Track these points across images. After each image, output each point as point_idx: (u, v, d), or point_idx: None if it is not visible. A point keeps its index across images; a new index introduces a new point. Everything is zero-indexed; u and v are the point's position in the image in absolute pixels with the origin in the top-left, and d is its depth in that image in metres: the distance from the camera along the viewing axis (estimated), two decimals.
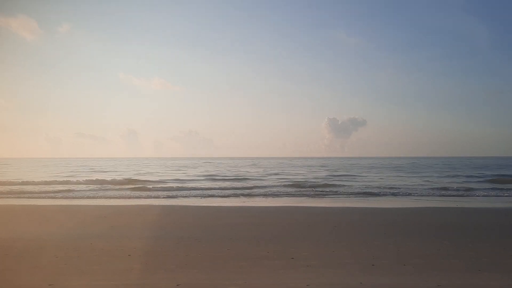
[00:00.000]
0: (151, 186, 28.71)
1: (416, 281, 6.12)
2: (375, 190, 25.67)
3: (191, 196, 23.09)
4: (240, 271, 6.82)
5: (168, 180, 36.26)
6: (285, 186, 29.89)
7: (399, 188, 27.47)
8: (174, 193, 24.78)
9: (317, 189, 26.97)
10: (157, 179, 38.00)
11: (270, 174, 46.23)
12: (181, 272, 6.77)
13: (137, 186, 29.07)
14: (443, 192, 24.98)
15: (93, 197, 22.53)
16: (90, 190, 26.42)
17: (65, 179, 35.21)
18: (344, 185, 29.93)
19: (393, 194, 23.63)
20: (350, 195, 23.47)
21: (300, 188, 28.45)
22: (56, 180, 33.41)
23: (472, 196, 22.85)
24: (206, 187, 29.13)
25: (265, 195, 23.57)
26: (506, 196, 22.68)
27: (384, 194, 23.59)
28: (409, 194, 23.55)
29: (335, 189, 27.04)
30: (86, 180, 33.40)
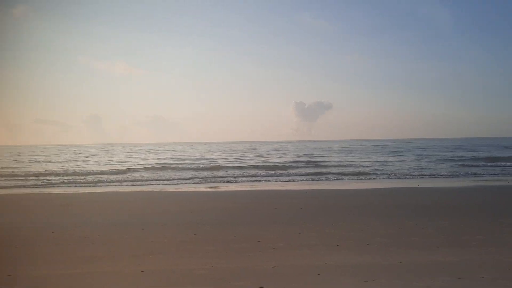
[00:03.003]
0: (114, 173, 28.18)
1: (378, 260, 6.29)
2: (335, 170, 26.21)
3: (152, 182, 22.82)
4: (207, 255, 6.82)
5: (135, 167, 35.68)
6: (253, 169, 29.97)
7: (364, 170, 28.10)
8: (136, 179, 24.42)
9: (284, 172, 27.23)
10: (125, 165, 37.31)
11: (238, 159, 46.26)
12: (146, 258, 6.70)
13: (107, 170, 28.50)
14: (405, 172, 25.75)
15: (52, 185, 21.91)
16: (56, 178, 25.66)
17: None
18: (306, 167, 30.35)
19: (355, 174, 24.17)
20: (313, 177, 23.82)
21: (268, 170, 28.63)
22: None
23: (434, 176, 23.66)
24: (171, 175, 28.85)
25: (233, 180, 23.58)
26: (466, 175, 23.61)
27: (345, 175, 24.08)
28: (372, 175, 24.15)
29: (300, 171, 27.36)
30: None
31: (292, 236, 8.13)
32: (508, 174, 24.53)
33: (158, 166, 34.59)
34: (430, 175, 24.49)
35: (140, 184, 21.92)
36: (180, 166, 33.96)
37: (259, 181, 22.91)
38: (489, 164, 32.04)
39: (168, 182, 22.83)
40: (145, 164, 38.23)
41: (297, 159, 43.09)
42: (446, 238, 7.66)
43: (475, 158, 38.52)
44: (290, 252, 6.94)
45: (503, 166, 30.28)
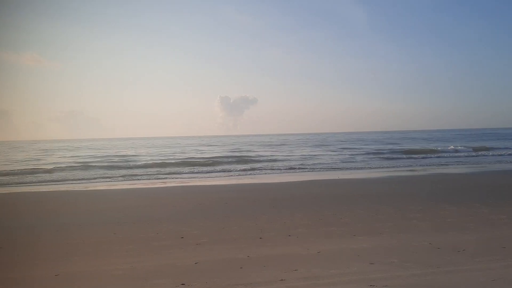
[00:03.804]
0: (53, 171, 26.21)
1: (299, 250, 6.48)
2: (261, 165, 26.65)
3: (66, 182, 21.60)
4: (126, 254, 6.58)
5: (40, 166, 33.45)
6: (178, 165, 29.47)
7: (289, 163, 28.82)
8: (46, 179, 22.94)
9: (208, 168, 27.11)
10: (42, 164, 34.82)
11: (162, 154, 45.23)
12: (60, 261, 6.31)
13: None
14: (331, 165, 26.82)
15: None
16: None
17: None
18: (233, 163, 30.51)
19: (279, 169, 24.72)
20: (241, 172, 24.00)
21: (193, 166, 28.32)
22: None
23: (353, 168, 24.88)
24: (86, 174, 27.47)
25: (156, 176, 22.98)
26: (381, 167, 25.11)
27: (270, 168, 24.56)
28: (297, 169, 24.86)
29: (226, 167, 27.42)
30: None
31: (216, 231, 8.10)
32: (418, 164, 26.44)
33: (73, 164, 32.74)
34: (349, 168, 25.69)
35: (53, 183, 20.60)
36: (96, 164, 32.30)
37: (183, 177, 22.56)
38: (404, 156, 34.33)
39: (85, 181, 21.68)
40: (57, 162, 36.05)
41: (223, 154, 43.13)
42: (362, 226, 8.08)
43: (392, 150, 41.07)
44: (213, 247, 6.91)
45: (415, 158, 32.63)
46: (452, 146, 43.42)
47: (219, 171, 25.01)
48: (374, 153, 37.70)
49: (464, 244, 6.41)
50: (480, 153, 35.46)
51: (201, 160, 33.28)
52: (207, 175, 23.12)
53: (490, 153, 34.58)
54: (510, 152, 35.00)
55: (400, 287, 4.61)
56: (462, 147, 41.98)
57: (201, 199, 12.63)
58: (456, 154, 34.52)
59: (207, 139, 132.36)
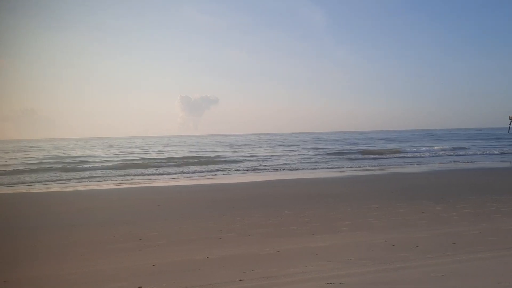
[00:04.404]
0: None
1: (258, 250, 6.49)
2: (222, 166, 26.60)
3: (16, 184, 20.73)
4: (81, 258, 6.37)
5: None
6: (136, 166, 28.83)
7: (249, 164, 28.88)
8: None
9: (168, 169, 26.73)
10: None
11: (120, 155, 44.18)
12: (10, 267, 6.02)
13: None
14: (291, 165, 27.09)
15: None
16: None
17: None
18: (193, 163, 30.26)
19: (240, 169, 24.75)
20: (201, 173, 23.82)
21: (151, 168, 27.81)
22: None
23: (313, 168, 25.24)
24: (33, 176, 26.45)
25: (111, 178, 22.38)
26: (341, 167, 25.63)
27: (230, 170, 24.55)
28: (258, 169, 24.95)
29: (187, 168, 27.14)
30: None
31: (175, 233, 8.00)
32: (376, 164, 27.17)
33: (24, 166, 31.44)
34: (309, 168, 26.06)
35: (1, 186, 19.68)
36: (50, 166, 31.09)
37: (142, 178, 22.08)
38: (363, 156, 35.18)
39: (38, 183, 20.84)
40: (7, 164, 34.52)
41: (184, 154, 42.67)
42: (321, 225, 8.20)
43: (351, 150, 42.02)
44: (172, 248, 6.81)
45: (372, 158, 33.53)
46: (410, 146, 44.89)
47: (179, 172, 24.68)
48: (334, 153, 38.44)
49: (417, 241, 6.64)
50: (435, 152, 36.83)
51: (160, 161, 32.75)
52: (167, 176, 22.75)
53: (445, 153, 36.00)
54: (464, 153, 36.62)
55: (355, 284, 4.71)
56: (419, 147, 43.55)
57: (160, 200, 12.43)
58: (414, 154, 35.70)
59: (167, 139, 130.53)
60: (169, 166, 28.84)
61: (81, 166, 29.28)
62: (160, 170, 25.76)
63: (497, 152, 36.10)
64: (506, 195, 11.37)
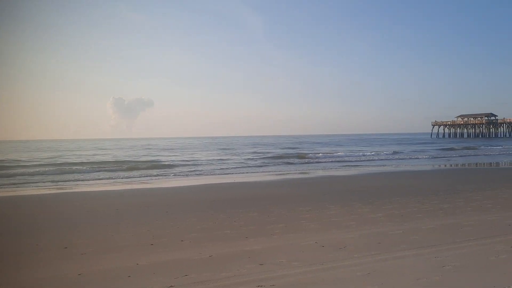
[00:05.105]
0: None
1: (191, 255, 6.40)
2: (157, 171, 26.07)
3: None
4: (1, 269, 5.92)
5: None
6: (64, 170, 27.34)
7: (185, 168, 28.49)
8: None
9: (99, 173, 25.66)
10: None
11: (47, 158, 41.75)
12: None
13: None
14: (225, 170, 27.06)
15: None
16: None
17: None
18: (126, 168, 29.33)
19: (175, 173, 24.36)
20: (134, 177, 23.10)
21: (79, 173, 26.49)
22: None
23: (249, 172, 25.41)
24: None
25: (36, 183, 21.06)
26: (276, 171, 26.03)
27: (166, 175, 24.09)
28: (194, 173, 24.68)
29: (119, 173, 26.22)
30: None
31: (104, 240, 7.68)
32: (312, 168, 27.94)
33: None
34: (245, 172, 26.21)
35: None
36: None
37: (69, 184, 20.98)
38: (299, 160, 35.96)
39: None
40: None
41: (115, 158, 41.27)
42: (254, 228, 8.26)
43: (287, 154, 42.76)
44: (100, 256, 6.53)
45: (307, 163, 34.44)
46: (344, 150, 46.63)
47: (110, 177, 23.69)
48: (271, 157, 38.97)
49: (346, 241, 6.89)
50: (367, 157, 38.53)
51: (90, 165, 31.35)
52: (99, 181, 21.80)
53: (376, 157, 37.79)
54: (393, 157, 38.67)
55: (286, 285, 4.79)
56: (353, 151, 45.38)
57: (89, 206, 11.89)
58: (347, 158, 37.08)
59: (99, 142, 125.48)
60: (100, 170, 27.64)
61: (1, 171, 27.27)
62: (90, 175, 24.62)
63: (424, 156, 38.57)
64: (428, 196, 12.14)
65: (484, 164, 28.76)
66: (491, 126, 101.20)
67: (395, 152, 44.06)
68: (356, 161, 34.46)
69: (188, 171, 26.16)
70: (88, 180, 21.82)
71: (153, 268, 5.74)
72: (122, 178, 22.73)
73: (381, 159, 35.61)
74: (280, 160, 35.74)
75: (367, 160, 34.72)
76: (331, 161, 34.16)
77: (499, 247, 6.12)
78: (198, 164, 32.03)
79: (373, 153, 43.20)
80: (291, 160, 35.61)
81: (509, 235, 6.98)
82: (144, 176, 23.20)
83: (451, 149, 49.09)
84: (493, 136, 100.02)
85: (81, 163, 33.32)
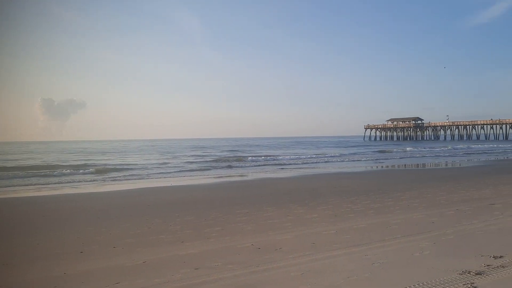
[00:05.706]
0: None
1: (124, 261, 6.18)
2: (89, 176, 25.01)
3: None
4: None
5: None
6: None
7: (119, 173, 27.56)
8: None
9: (23, 179, 24.12)
10: None
11: None
12: None
13: None
14: (165, 173, 26.49)
15: None
16: None
17: None
18: (55, 173, 27.85)
19: (108, 177, 23.49)
20: (68, 183, 21.95)
21: (18, 178, 24.77)
22: None
23: (187, 176, 25.07)
24: None
25: None
26: (214, 174, 25.90)
27: (100, 179, 23.16)
28: (131, 177, 23.93)
29: (48, 178, 24.80)
30: None
31: (29, 248, 7.21)
32: (250, 171, 28.11)
33: None
34: (183, 176, 25.85)
35: None
36: None
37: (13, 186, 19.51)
38: (237, 163, 36.06)
39: None
40: None
41: (43, 161, 39.04)
42: (191, 233, 8.15)
43: (227, 158, 42.75)
44: (25, 266, 6.12)
45: (247, 166, 34.62)
46: (282, 153, 47.35)
47: (35, 184, 22.35)
48: (210, 161, 38.76)
49: (281, 243, 6.98)
50: (303, 160, 39.44)
51: (14, 171, 29.40)
52: (24, 187, 20.43)
53: (314, 160, 38.79)
54: (328, 159, 39.88)
55: None
56: (290, 154, 46.21)
57: (12, 213, 11.13)
58: (284, 161, 37.75)
59: (26, 145, 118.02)
60: (26, 176, 25.96)
61: None
62: (15, 181, 23.05)
63: (360, 158, 40.22)
64: (360, 196, 12.65)
65: (412, 165, 30.53)
66: (418, 130, 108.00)
67: (330, 156, 45.55)
68: (293, 164, 35.17)
69: (124, 175, 25.30)
70: (14, 186, 20.40)
71: (82, 277, 5.47)
72: (50, 184, 21.45)
73: (318, 162, 36.63)
74: (219, 164, 35.62)
75: (304, 163, 35.55)
76: (269, 164, 34.61)
77: (423, 244, 6.50)
78: (134, 168, 31.06)
79: (310, 155, 44.34)
80: (230, 163, 35.62)
81: (432, 232, 7.43)
82: (76, 182, 22.08)
83: (382, 151, 51.68)
84: (420, 138, 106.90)
85: (4, 168, 31.11)
